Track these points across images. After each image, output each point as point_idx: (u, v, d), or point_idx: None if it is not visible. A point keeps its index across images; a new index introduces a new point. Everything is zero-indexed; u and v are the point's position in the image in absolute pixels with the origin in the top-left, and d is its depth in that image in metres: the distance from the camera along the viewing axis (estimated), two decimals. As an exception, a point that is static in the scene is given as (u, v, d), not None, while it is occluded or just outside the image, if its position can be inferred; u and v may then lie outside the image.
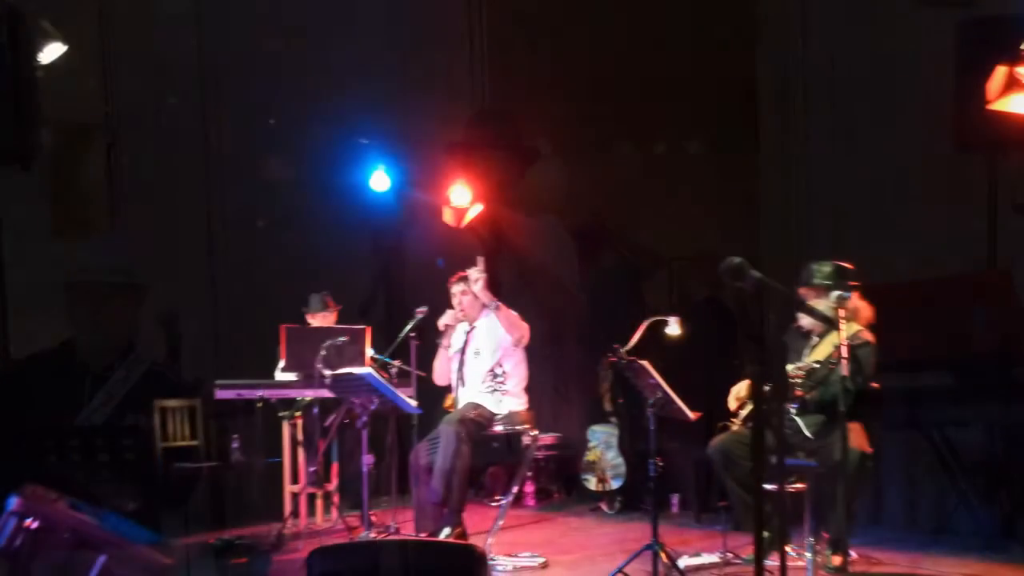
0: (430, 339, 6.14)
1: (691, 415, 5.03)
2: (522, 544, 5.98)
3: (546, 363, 8.07)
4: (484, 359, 5.88)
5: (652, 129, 7.64)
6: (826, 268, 5.17)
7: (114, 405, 4.02)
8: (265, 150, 7.79)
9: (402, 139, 8.30)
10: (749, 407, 5.22)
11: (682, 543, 5.90)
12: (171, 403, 7.20)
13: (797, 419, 5.14)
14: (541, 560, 5.50)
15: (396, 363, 6.30)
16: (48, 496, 3.72)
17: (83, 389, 3.96)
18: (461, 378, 5.93)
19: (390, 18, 5.78)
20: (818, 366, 5.04)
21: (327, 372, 5.69)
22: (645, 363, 4.99)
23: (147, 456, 6.99)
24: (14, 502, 3.56)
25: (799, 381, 5.07)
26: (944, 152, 5.94)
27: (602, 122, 7.67)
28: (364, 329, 6.37)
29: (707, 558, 5.38)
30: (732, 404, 5.36)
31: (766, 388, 3.27)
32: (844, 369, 4.53)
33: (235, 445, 7.01)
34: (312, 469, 6.55)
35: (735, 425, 5.32)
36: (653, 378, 4.96)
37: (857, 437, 4.94)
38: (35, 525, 3.54)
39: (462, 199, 8.43)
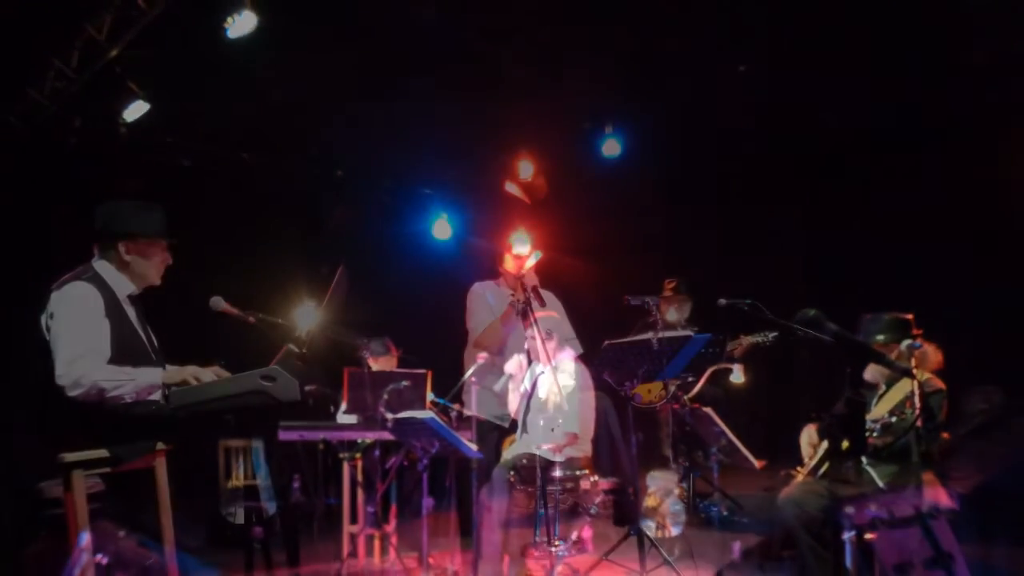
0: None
1: (757, 463, 4.91)
2: (581, 591, 5.82)
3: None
4: (549, 417, 5.77)
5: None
6: (885, 321, 5.04)
7: None
8: (330, 199, 7.87)
9: (464, 188, 8.35)
10: (820, 455, 5.11)
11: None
12: (234, 443, 7.33)
13: (869, 469, 4.96)
14: (600, 607, 5.39)
15: (456, 407, 6.27)
16: (117, 533, 3.81)
17: None
18: (525, 424, 5.85)
19: (452, 66, 5.80)
20: (894, 420, 4.88)
21: (389, 415, 5.67)
22: (708, 410, 4.91)
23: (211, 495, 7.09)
24: (85, 538, 3.65)
25: (872, 434, 4.92)
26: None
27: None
28: (425, 373, 6.34)
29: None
30: (807, 451, 5.23)
31: (844, 442, 3.17)
32: (917, 419, 4.41)
33: (296, 485, 7.08)
34: (371, 510, 6.51)
35: (800, 474, 5.19)
36: (717, 426, 4.87)
37: (933, 489, 4.75)
38: (105, 561, 3.63)
39: (522, 247, 8.43)
